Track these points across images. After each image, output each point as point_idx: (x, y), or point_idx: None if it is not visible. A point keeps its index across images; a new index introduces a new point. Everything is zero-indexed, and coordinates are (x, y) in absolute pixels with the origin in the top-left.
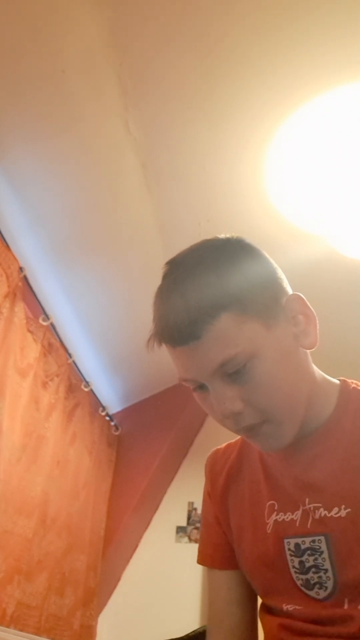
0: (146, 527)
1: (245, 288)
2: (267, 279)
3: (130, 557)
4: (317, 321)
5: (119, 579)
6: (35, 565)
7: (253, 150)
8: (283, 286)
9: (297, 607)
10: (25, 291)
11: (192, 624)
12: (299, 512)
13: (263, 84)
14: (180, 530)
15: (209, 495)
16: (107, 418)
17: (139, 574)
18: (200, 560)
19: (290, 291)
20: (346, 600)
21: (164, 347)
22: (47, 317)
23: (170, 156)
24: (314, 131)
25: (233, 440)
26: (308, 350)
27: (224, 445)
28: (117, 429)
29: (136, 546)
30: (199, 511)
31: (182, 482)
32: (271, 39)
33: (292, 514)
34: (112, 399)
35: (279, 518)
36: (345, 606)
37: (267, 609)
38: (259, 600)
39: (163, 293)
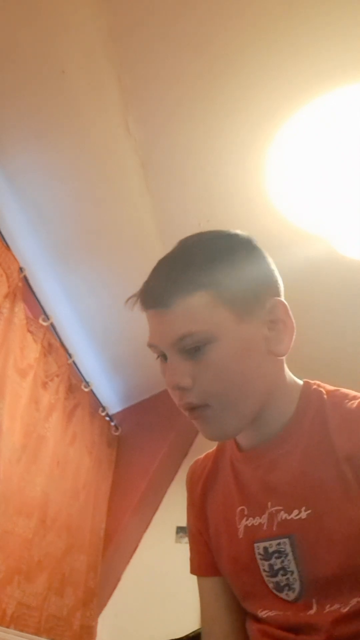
0: (146, 527)
1: (229, 277)
2: (255, 278)
3: (130, 557)
4: (294, 332)
5: (119, 579)
6: (35, 565)
7: (253, 150)
8: (271, 289)
9: (270, 612)
10: (25, 291)
11: (192, 624)
12: (265, 516)
13: (264, 84)
14: (180, 530)
15: (190, 505)
16: (107, 418)
17: (139, 574)
18: (191, 570)
19: (279, 296)
20: (314, 601)
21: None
22: (47, 318)
23: (170, 156)
24: (315, 132)
25: (211, 450)
26: (281, 357)
27: (203, 455)
28: (117, 429)
29: (136, 546)
30: None
31: (182, 482)
32: (272, 39)
33: (260, 517)
34: (112, 399)
35: (249, 523)
36: (314, 607)
37: (249, 614)
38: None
39: (159, 261)
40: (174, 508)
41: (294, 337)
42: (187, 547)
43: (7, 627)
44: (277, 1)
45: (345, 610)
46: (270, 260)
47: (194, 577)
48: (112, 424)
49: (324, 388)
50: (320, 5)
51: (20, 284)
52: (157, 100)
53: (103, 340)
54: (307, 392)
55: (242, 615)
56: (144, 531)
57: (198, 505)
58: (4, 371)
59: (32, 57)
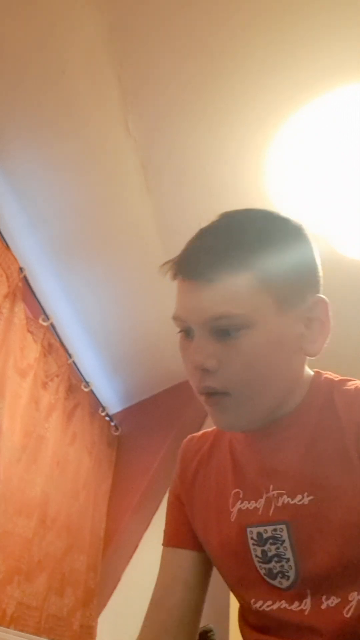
0: (146, 527)
1: (279, 264)
2: (303, 271)
3: (130, 557)
4: (329, 335)
5: (119, 579)
6: (35, 565)
7: (253, 151)
8: (315, 285)
9: (264, 604)
10: (25, 291)
11: None
12: (262, 500)
13: (263, 85)
14: None
15: (178, 477)
16: (107, 418)
17: (139, 574)
18: (164, 541)
19: (320, 293)
20: (308, 591)
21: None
22: (47, 318)
23: (170, 157)
24: (315, 132)
25: (210, 429)
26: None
27: (200, 432)
28: (117, 429)
29: (136, 546)
30: None
31: None
32: (272, 39)
33: (256, 502)
34: (112, 399)
35: (243, 506)
36: (308, 597)
37: (245, 620)
38: (234, 609)
39: (201, 230)
40: None
41: (328, 339)
42: None
43: (7, 627)
44: (277, 2)
45: (348, 615)
46: (317, 252)
47: None
48: (112, 424)
49: (333, 377)
50: (319, 5)
51: (20, 284)
52: (157, 100)
53: (103, 340)
54: (317, 381)
55: (198, 593)
56: (144, 531)
57: (188, 482)
58: (4, 371)
59: (32, 57)
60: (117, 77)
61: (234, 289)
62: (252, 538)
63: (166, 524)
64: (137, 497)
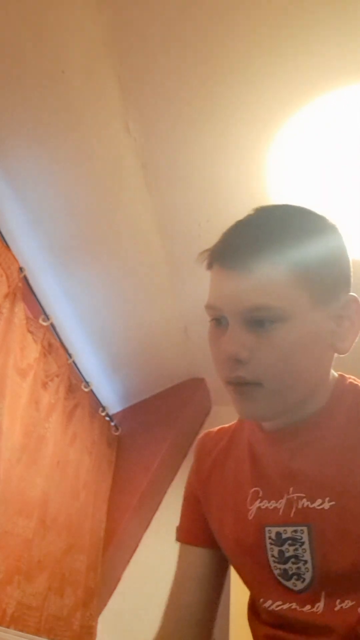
0: (146, 527)
1: (317, 260)
2: (338, 269)
3: (130, 557)
4: (359, 334)
5: (119, 579)
6: (35, 565)
7: (254, 150)
8: (347, 284)
9: (275, 604)
10: (25, 291)
11: None
12: (283, 501)
13: (264, 85)
14: None
15: (194, 473)
16: (107, 418)
17: (139, 574)
18: (178, 537)
19: (352, 292)
20: (323, 594)
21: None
22: (47, 318)
23: (170, 157)
24: (315, 132)
25: (227, 425)
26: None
27: (216, 428)
28: (117, 429)
29: (136, 546)
30: None
31: (183, 482)
32: (273, 39)
33: (276, 502)
34: (112, 399)
35: (262, 505)
36: (321, 601)
37: (255, 614)
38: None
39: (239, 222)
40: (174, 508)
41: (358, 337)
42: None
43: (7, 627)
44: (278, 2)
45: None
46: (348, 252)
47: None
48: (112, 424)
49: (359, 383)
50: (320, 7)
51: (20, 284)
52: (158, 101)
53: (103, 340)
54: (342, 384)
55: (212, 591)
56: (144, 531)
57: (204, 477)
58: (4, 371)
59: (32, 57)
60: (117, 77)
61: (273, 280)
62: (270, 537)
63: (180, 518)
64: (137, 497)
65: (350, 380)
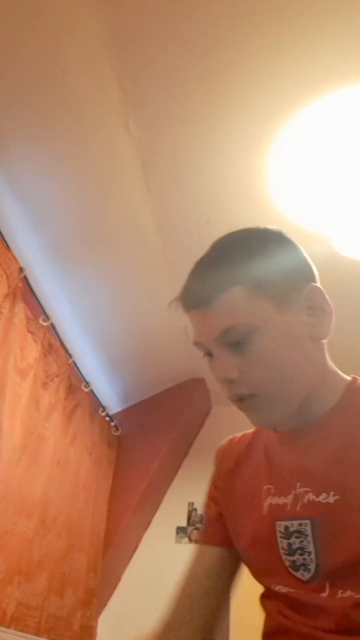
0: (146, 528)
1: (264, 269)
2: (290, 268)
3: (130, 557)
4: (333, 315)
5: (119, 579)
6: (35, 565)
7: (254, 151)
8: (306, 276)
9: (283, 588)
10: (25, 291)
11: None
12: (291, 496)
13: (265, 85)
14: (180, 530)
15: (216, 477)
16: (107, 418)
17: (139, 574)
18: (201, 539)
19: (314, 282)
20: (327, 584)
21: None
22: (47, 318)
23: (170, 157)
24: (316, 133)
25: (249, 431)
26: (324, 341)
27: (240, 434)
28: (117, 429)
29: (136, 546)
30: (199, 512)
31: (182, 482)
32: (273, 39)
33: (285, 497)
34: (112, 399)
35: (274, 501)
36: (326, 590)
37: (268, 597)
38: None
39: (196, 264)
40: (174, 508)
41: (333, 320)
42: (187, 547)
43: (7, 627)
44: (278, 2)
45: (358, 596)
46: (301, 248)
47: None
48: (112, 424)
49: None
50: (320, 8)
51: (20, 284)
52: (158, 101)
53: (103, 340)
54: (353, 386)
55: (219, 585)
56: (144, 531)
57: (224, 480)
58: (4, 371)
59: (33, 58)
60: (117, 77)
61: (230, 304)
62: (279, 531)
63: (204, 521)
64: (137, 497)
65: None
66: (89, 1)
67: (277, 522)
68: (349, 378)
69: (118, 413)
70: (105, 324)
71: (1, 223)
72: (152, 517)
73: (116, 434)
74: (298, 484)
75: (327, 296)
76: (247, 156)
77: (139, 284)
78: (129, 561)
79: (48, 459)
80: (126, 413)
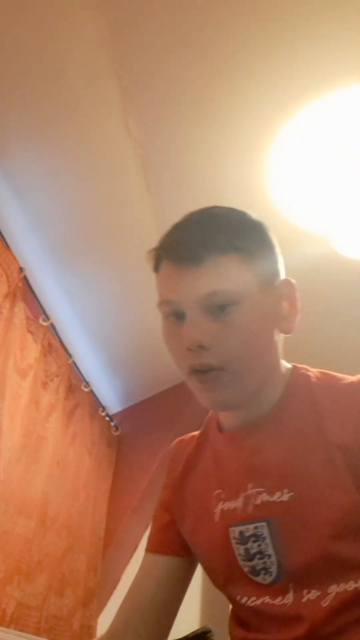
0: (146, 527)
1: (258, 246)
2: (276, 255)
3: (130, 557)
4: (299, 313)
5: (119, 579)
6: (35, 565)
7: (254, 151)
8: (282, 270)
9: (249, 599)
10: (25, 291)
11: (192, 625)
12: (240, 499)
13: (265, 85)
14: None
15: (167, 483)
16: (107, 418)
17: None
18: (148, 547)
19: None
20: (290, 586)
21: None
22: (47, 318)
23: (170, 156)
24: (316, 133)
25: (196, 432)
26: (283, 336)
27: (187, 435)
28: (117, 429)
29: (136, 546)
30: None
31: None
32: (273, 39)
33: (235, 501)
34: (112, 399)
35: (225, 507)
36: (290, 592)
37: (235, 618)
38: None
39: (185, 219)
40: None
41: (298, 318)
42: None
43: (7, 627)
44: (278, 3)
45: (326, 604)
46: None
47: (193, 578)
48: (112, 424)
49: (311, 371)
50: (320, 8)
51: (20, 284)
52: (157, 100)
53: (103, 340)
54: (296, 375)
55: (169, 596)
56: (144, 531)
57: (175, 486)
58: (4, 371)
59: (33, 57)
60: (117, 77)
61: (223, 268)
62: (234, 537)
63: (152, 528)
64: (137, 497)
65: (303, 370)
66: (90, 3)
67: (231, 529)
68: (289, 366)
69: (118, 413)
70: (105, 324)
71: (1, 223)
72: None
73: (116, 434)
74: (250, 484)
75: (297, 292)
76: (247, 156)
77: (139, 284)
78: (129, 561)
79: (48, 459)
80: (126, 413)
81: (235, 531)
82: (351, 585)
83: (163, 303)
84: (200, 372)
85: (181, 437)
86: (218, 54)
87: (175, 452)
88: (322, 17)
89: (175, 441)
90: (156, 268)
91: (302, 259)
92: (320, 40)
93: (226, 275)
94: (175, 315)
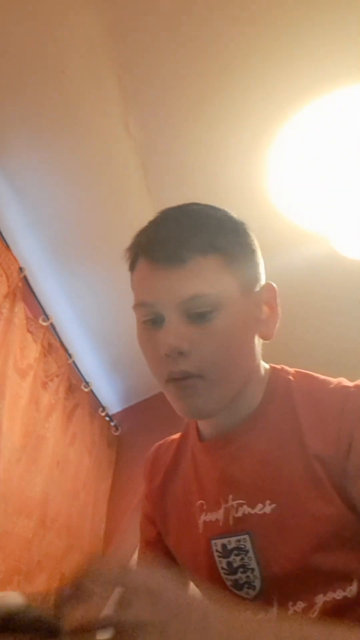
0: None
1: (239, 247)
2: (257, 258)
3: (130, 557)
4: (279, 318)
5: None
6: (35, 565)
7: (254, 151)
8: (263, 274)
9: None
10: (25, 291)
11: None
12: (221, 511)
13: (265, 85)
14: None
15: (146, 496)
16: (107, 418)
17: None
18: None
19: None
20: (274, 599)
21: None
22: (47, 318)
23: (170, 157)
24: (316, 133)
25: (173, 437)
26: (261, 342)
27: (168, 439)
28: (117, 429)
29: (136, 546)
30: None
31: None
32: (273, 40)
33: (216, 513)
34: (112, 399)
35: (207, 518)
36: (274, 605)
37: None
38: None
39: (155, 220)
40: None
41: (278, 324)
42: None
43: None
44: (279, 3)
45: (315, 614)
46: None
47: None
48: (112, 424)
49: (290, 373)
50: (320, 9)
51: (20, 284)
52: (158, 101)
53: (103, 340)
54: (274, 377)
55: None
56: None
57: (157, 497)
58: (4, 371)
59: (32, 57)
60: (117, 77)
61: (205, 270)
62: (216, 550)
63: (141, 542)
64: (137, 497)
65: (282, 373)
66: (90, 1)
67: (213, 541)
68: (267, 367)
69: (118, 413)
70: (105, 324)
71: (1, 223)
72: None
73: (116, 434)
74: (230, 496)
75: (278, 297)
76: (248, 156)
77: None
78: (129, 561)
79: (48, 459)
80: (126, 413)
81: (217, 544)
82: (339, 594)
83: (139, 305)
84: (178, 379)
85: (160, 442)
86: (218, 54)
87: (154, 459)
88: (322, 17)
89: (154, 446)
90: (132, 267)
91: (302, 259)
92: (320, 40)
93: (208, 278)
94: (152, 319)
